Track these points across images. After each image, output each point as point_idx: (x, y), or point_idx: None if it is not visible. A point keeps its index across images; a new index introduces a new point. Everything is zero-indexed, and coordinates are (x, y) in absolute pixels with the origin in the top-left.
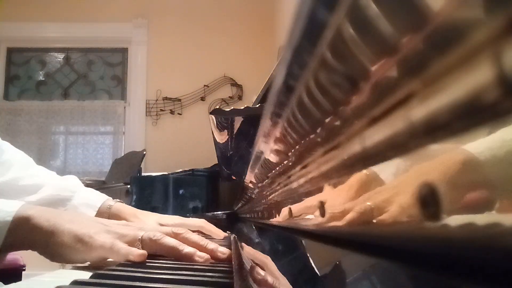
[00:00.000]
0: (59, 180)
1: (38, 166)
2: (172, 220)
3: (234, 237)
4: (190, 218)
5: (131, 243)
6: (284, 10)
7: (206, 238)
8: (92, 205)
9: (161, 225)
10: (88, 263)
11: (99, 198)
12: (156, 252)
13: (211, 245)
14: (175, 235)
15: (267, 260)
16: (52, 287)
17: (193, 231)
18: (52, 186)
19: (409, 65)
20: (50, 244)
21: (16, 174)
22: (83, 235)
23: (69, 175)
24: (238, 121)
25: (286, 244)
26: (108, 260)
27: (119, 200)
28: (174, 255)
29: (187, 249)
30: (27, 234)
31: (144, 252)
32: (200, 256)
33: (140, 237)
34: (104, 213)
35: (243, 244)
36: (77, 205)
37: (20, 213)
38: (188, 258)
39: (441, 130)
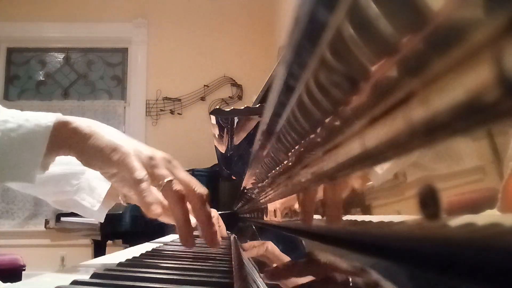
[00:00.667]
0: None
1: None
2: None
3: (234, 237)
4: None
5: (157, 177)
6: (284, 10)
7: None
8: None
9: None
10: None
11: None
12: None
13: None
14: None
15: (267, 244)
16: (52, 287)
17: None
18: (61, 161)
19: (409, 65)
20: (87, 147)
21: None
22: (120, 147)
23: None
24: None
25: (286, 244)
26: None
27: None
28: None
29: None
30: (67, 136)
31: (159, 213)
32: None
33: (166, 180)
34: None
35: (243, 244)
36: (90, 179)
37: (60, 118)
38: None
39: (441, 130)
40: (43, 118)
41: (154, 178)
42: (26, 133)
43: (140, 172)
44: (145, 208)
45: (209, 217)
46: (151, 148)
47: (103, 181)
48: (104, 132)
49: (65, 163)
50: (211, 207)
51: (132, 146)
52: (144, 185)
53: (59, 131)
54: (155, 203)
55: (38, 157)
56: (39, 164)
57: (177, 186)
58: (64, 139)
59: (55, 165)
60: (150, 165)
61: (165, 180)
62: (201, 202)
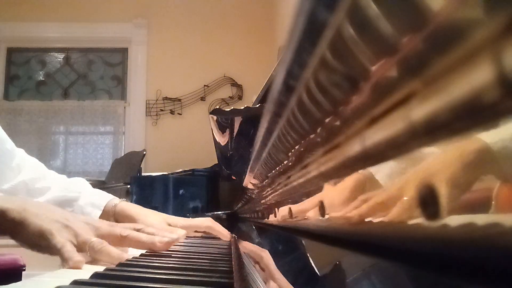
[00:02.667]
0: (66, 182)
1: (48, 170)
2: (180, 220)
3: (234, 237)
4: (197, 218)
5: (82, 245)
6: (284, 10)
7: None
8: (97, 205)
9: (169, 224)
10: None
11: (105, 198)
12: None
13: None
14: (120, 239)
15: (263, 253)
16: (52, 287)
17: (201, 232)
18: (59, 187)
19: (409, 65)
20: (20, 235)
21: (25, 178)
22: (45, 231)
23: (77, 178)
24: (238, 121)
25: (286, 244)
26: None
27: (124, 200)
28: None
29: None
30: (3, 224)
31: (79, 260)
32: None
33: (88, 244)
34: (109, 212)
35: (240, 240)
36: (83, 205)
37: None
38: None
39: (441, 130)
40: None
41: (82, 246)
42: None
43: (60, 240)
44: (70, 260)
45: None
46: (77, 216)
47: (95, 208)
48: (33, 215)
49: (60, 190)
50: (211, 207)
51: (58, 221)
52: (66, 247)
53: None
54: (75, 253)
55: None
56: None
57: (97, 246)
58: (3, 226)
59: (50, 192)
60: (75, 233)
61: (89, 242)
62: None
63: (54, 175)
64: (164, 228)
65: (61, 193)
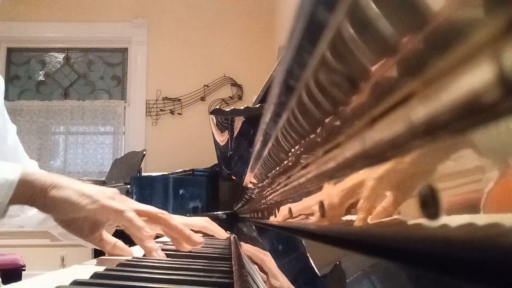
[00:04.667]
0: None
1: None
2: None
3: (234, 237)
4: (193, 217)
5: (116, 219)
6: (284, 10)
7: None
8: None
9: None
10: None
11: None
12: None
13: (189, 231)
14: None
15: (265, 257)
16: (52, 287)
17: (195, 232)
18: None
19: (409, 65)
20: (49, 199)
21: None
22: (90, 190)
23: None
24: (238, 121)
25: (286, 244)
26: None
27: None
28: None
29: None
30: (29, 192)
31: (152, 234)
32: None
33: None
34: None
35: (242, 242)
36: None
37: (24, 174)
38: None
39: (441, 130)
40: (10, 172)
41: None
42: None
43: (120, 205)
44: (137, 231)
45: (179, 228)
46: (109, 189)
47: None
48: (66, 180)
49: None
50: (211, 207)
51: (95, 190)
52: (130, 213)
53: (23, 186)
54: (145, 226)
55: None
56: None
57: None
58: (27, 195)
59: None
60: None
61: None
62: (168, 219)
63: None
64: None
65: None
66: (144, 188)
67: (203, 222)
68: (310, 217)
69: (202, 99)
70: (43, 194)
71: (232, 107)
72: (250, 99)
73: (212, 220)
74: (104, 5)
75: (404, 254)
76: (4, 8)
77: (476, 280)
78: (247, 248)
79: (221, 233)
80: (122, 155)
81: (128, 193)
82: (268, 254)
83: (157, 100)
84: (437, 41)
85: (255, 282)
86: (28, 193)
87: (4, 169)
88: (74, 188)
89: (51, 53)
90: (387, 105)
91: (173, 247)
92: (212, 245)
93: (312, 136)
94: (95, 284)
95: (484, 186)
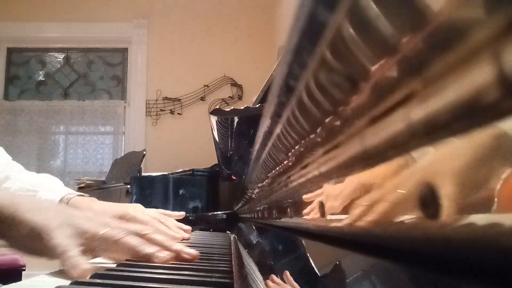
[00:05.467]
0: (24, 181)
1: (20, 170)
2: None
3: (234, 237)
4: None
5: (90, 240)
6: (284, 10)
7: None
8: (50, 201)
9: (120, 217)
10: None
11: (59, 193)
12: (116, 251)
13: (177, 246)
14: (141, 235)
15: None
16: (52, 287)
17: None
18: (15, 188)
19: (409, 65)
20: (9, 235)
21: None
22: (42, 228)
23: (45, 174)
24: (238, 121)
25: (286, 244)
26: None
27: (80, 194)
28: (133, 255)
29: (148, 249)
30: None
31: (86, 269)
32: (160, 257)
33: (100, 235)
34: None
35: (273, 276)
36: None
37: None
38: (147, 258)
39: (441, 130)
40: None
41: (91, 238)
42: None
43: (68, 252)
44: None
45: (162, 241)
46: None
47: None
48: (26, 210)
49: (16, 190)
50: (211, 207)
51: (60, 217)
52: (69, 251)
53: None
54: (81, 260)
55: None
56: None
57: (116, 234)
58: None
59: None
60: (81, 231)
61: (100, 234)
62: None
63: (22, 175)
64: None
65: (16, 192)
66: (144, 188)
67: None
68: (310, 217)
69: (202, 99)
70: (4, 231)
71: (232, 107)
72: (250, 99)
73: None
74: (104, 5)
75: (404, 254)
76: (4, 8)
77: (476, 280)
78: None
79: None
80: (122, 155)
81: (128, 193)
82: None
83: (157, 100)
84: (437, 41)
85: (255, 282)
86: None
87: None
88: (31, 225)
89: (51, 53)
90: (387, 105)
91: None
92: (212, 245)
93: (312, 136)
94: (95, 284)
95: (484, 186)
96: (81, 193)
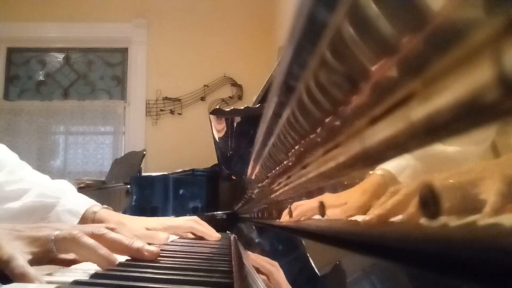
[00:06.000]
0: (46, 186)
1: (30, 170)
2: (160, 223)
3: (234, 237)
4: (180, 217)
5: (44, 245)
6: (284, 10)
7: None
8: (75, 212)
9: (148, 229)
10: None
11: (84, 205)
12: (73, 251)
13: (137, 243)
14: (96, 236)
15: (273, 268)
16: (52, 287)
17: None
18: (37, 192)
19: (409, 65)
20: None
21: (1, 179)
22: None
23: (61, 180)
24: (238, 121)
25: (286, 244)
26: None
27: (105, 206)
28: (90, 256)
29: (103, 250)
30: None
31: (35, 275)
32: (112, 259)
33: (53, 237)
34: (87, 219)
35: (248, 252)
36: (60, 212)
37: None
38: (103, 260)
39: (441, 130)
40: None
41: (44, 243)
42: None
43: (14, 260)
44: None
45: (120, 240)
46: (28, 225)
47: (73, 216)
48: None
49: (38, 195)
50: (211, 207)
51: (5, 233)
52: (16, 260)
53: None
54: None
55: None
56: None
57: (70, 233)
58: None
59: (27, 196)
60: (32, 239)
61: (53, 237)
62: (96, 235)
63: (35, 176)
64: (144, 234)
65: (38, 198)
66: (144, 188)
67: (190, 222)
68: (310, 217)
69: (202, 99)
70: None
71: (232, 107)
72: (250, 99)
73: (212, 220)
74: (104, 5)
75: (404, 254)
76: (4, 8)
77: (476, 280)
78: (254, 258)
79: (211, 233)
80: (122, 155)
81: (128, 193)
82: (277, 264)
83: (157, 100)
84: (437, 41)
85: (255, 282)
86: None
87: None
88: None
89: (51, 53)
90: (387, 105)
91: (173, 247)
92: (212, 245)
93: (312, 135)
94: (95, 284)
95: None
96: (106, 206)
